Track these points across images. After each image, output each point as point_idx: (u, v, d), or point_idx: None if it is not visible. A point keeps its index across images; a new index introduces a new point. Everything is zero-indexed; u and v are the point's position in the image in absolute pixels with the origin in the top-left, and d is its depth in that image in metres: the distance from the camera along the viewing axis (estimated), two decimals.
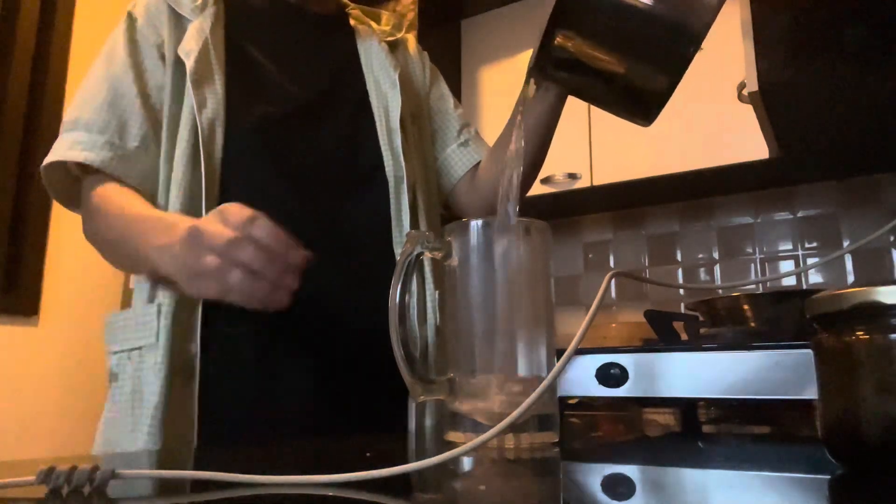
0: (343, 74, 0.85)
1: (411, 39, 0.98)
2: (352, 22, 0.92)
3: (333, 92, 0.83)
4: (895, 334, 0.31)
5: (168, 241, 0.60)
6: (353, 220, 0.79)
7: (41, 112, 1.92)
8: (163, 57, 0.77)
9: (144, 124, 0.75)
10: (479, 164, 0.92)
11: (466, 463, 0.39)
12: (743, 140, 1.51)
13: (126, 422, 0.69)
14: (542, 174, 1.85)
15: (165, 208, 0.72)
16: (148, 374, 0.68)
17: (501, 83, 2.02)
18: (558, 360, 0.41)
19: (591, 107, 1.85)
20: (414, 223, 0.81)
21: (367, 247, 0.79)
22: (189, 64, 0.74)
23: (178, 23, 0.78)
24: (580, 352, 0.61)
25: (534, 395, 0.38)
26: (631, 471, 0.37)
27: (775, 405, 0.66)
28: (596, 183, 1.74)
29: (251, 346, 0.72)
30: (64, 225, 2.02)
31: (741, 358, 0.55)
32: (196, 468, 0.31)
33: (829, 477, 0.33)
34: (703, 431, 0.62)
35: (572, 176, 1.78)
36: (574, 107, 1.90)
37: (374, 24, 0.94)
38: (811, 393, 0.51)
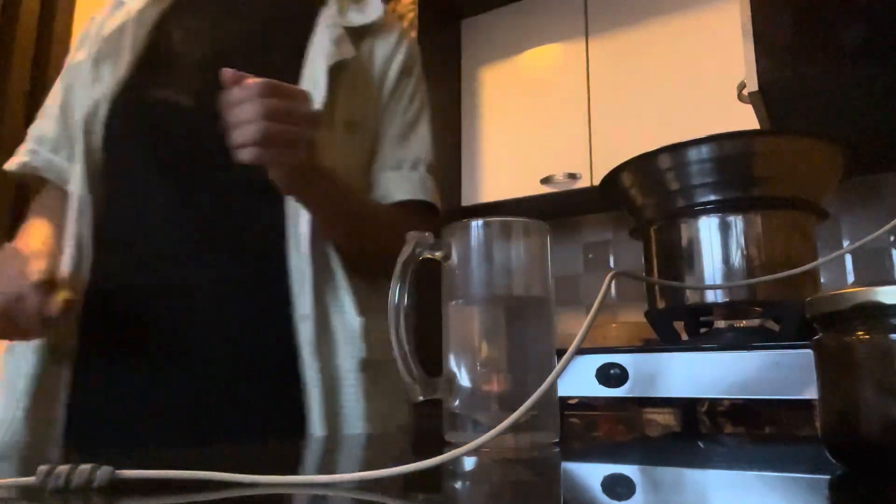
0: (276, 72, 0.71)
1: (408, 34, 0.89)
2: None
3: None
4: (895, 334, 0.31)
5: None
6: (241, 225, 0.73)
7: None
8: None
9: None
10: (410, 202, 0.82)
11: (466, 463, 0.39)
12: None
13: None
14: (542, 174, 1.86)
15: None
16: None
17: (501, 83, 2.02)
18: (558, 360, 0.41)
19: (591, 107, 1.86)
20: (315, 237, 0.73)
21: (255, 252, 0.74)
22: (97, 42, 0.77)
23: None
24: (580, 352, 0.61)
25: (534, 396, 0.38)
26: (631, 471, 0.37)
27: (775, 405, 0.66)
28: (596, 183, 1.74)
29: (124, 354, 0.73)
30: None
31: (741, 358, 0.55)
32: (196, 468, 0.31)
33: (829, 477, 0.33)
34: (703, 431, 0.62)
35: (572, 176, 1.78)
36: (574, 106, 1.89)
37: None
38: (811, 393, 0.51)
